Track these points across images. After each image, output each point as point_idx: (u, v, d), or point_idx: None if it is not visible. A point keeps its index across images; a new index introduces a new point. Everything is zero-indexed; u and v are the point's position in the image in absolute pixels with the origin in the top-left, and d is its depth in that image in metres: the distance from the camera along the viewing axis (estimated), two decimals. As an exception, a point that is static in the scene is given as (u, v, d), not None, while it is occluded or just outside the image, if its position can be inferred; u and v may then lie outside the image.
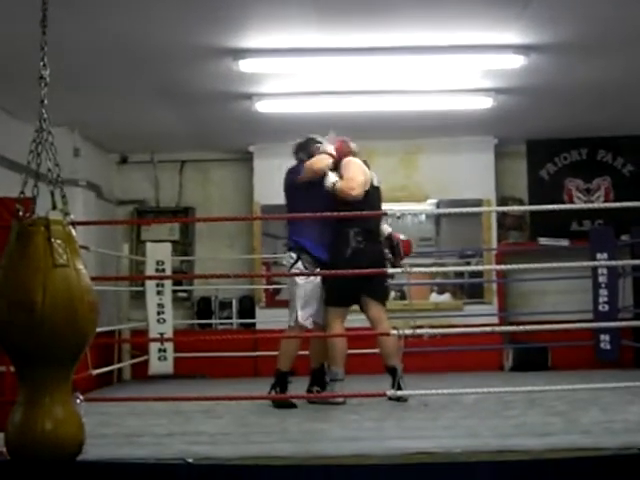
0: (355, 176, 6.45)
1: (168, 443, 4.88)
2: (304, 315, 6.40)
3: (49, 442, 3.46)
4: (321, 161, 6.48)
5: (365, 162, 6.77)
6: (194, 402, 6.42)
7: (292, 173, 6.64)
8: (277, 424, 5.57)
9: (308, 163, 6.48)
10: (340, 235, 6.46)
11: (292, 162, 6.80)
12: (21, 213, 3.61)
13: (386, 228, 6.64)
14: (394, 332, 5.37)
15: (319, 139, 6.76)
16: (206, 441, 4.96)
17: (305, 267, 6.41)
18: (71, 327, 3.46)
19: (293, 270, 6.44)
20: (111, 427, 5.34)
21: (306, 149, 6.71)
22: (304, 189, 6.45)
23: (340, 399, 6.29)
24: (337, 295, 6.50)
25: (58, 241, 3.48)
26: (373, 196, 6.64)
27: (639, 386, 5.99)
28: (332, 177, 6.45)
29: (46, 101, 3.63)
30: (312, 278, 6.39)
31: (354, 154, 6.74)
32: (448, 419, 5.54)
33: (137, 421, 5.75)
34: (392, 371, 6.39)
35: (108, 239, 9.39)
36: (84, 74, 6.91)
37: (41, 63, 3.64)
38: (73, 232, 3.60)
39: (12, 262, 3.51)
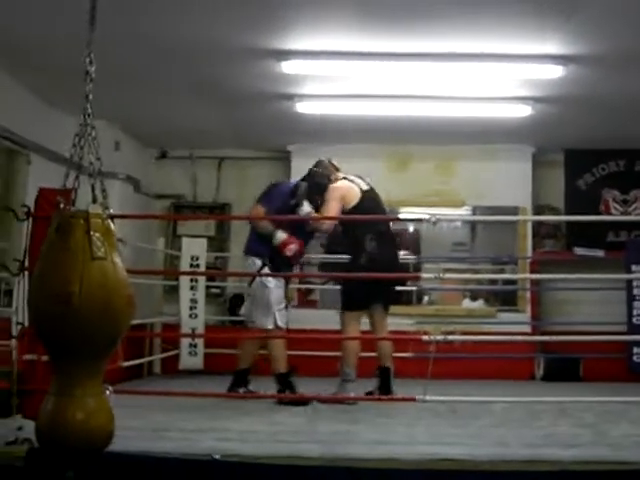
0: (332, 211, 6.67)
1: (196, 439, 4.91)
2: (281, 317, 6.67)
3: (80, 432, 3.48)
4: (259, 224, 6.82)
5: (345, 178, 6.93)
6: (222, 398, 6.48)
7: (276, 188, 6.91)
8: (305, 424, 5.61)
9: (256, 211, 6.80)
10: (355, 242, 6.66)
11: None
12: (62, 205, 3.65)
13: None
14: (425, 337, 5.38)
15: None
16: (234, 438, 4.97)
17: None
18: (106, 319, 3.48)
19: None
20: (139, 420, 5.37)
21: (322, 172, 6.90)
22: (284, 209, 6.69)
23: (352, 400, 6.42)
24: (354, 300, 6.65)
25: (97, 234, 3.51)
26: (369, 200, 6.84)
27: (670, 401, 5.96)
28: (307, 208, 6.70)
29: (91, 96, 3.67)
30: (280, 284, 6.68)
31: (336, 177, 6.92)
32: (477, 427, 5.53)
33: (165, 415, 5.77)
34: (386, 371, 6.72)
35: (144, 232, 9.47)
36: (127, 70, 6.98)
37: (87, 60, 3.68)
38: (112, 226, 3.64)
39: (51, 253, 3.54)
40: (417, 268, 9.73)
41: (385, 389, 6.68)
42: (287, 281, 6.94)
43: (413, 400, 5.25)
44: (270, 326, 6.66)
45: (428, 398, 5.17)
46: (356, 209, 6.72)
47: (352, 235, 6.76)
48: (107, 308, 3.47)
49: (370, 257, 6.58)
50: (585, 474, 4.35)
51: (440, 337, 5.32)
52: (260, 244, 6.75)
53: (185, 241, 9.05)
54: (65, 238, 3.51)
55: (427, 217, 5.41)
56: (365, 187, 6.89)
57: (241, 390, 6.73)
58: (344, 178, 6.93)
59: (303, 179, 6.95)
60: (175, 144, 10.17)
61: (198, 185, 10.43)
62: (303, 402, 6.36)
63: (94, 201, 3.64)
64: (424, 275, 5.88)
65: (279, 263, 6.72)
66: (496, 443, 4.94)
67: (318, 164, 6.96)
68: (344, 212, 6.70)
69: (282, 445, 4.83)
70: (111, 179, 7.90)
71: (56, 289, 3.44)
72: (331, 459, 4.43)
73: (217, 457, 4.34)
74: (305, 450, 4.62)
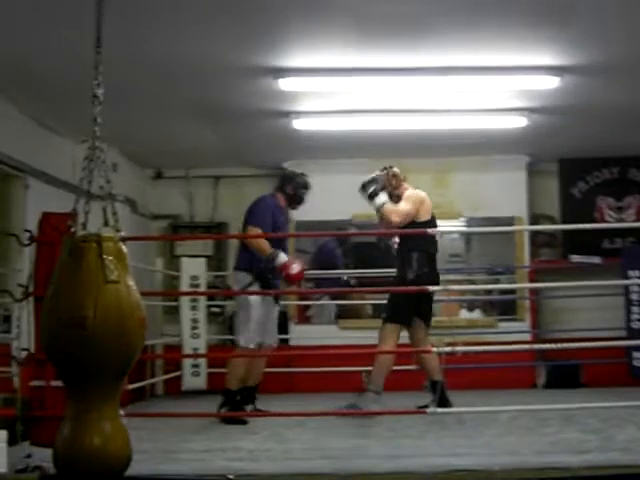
0: (406, 210, 6.65)
1: (207, 459, 4.94)
2: (252, 337, 6.58)
3: (97, 458, 3.49)
4: (257, 247, 6.58)
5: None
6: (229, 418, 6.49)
7: (259, 203, 6.87)
8: (315, 440, 5.63)
9: (253, 237, 6.62)
10: (404, 258, 6.66)
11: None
12: (73, 229, 3.68)
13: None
14: (434, 349, 5.42)
15: (303, 176, 7.01)
16: (245, 457, 4.99)
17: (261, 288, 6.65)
18: (121, 342, 3.51)
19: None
20: (148, 442, 5.37)
21: (284, 184, 6.95)
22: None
23: (372, 411, 6.42)
24: (399, 313, 6.65)
25: (110, 257, 3.54)
26: (434, 222, 6.87)
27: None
28: (383, 197, 6.67)
29: (99, 119, 3.69)
30: (267, 300, 6.65)
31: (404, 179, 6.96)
32: (485, 436, 5.57)
33: (174, 437, 5.79)
34: (438, 384, 6.59)
35: (142, 253, 9.48)
36: (123, 91, 6.96)
37: (95, 82, 3.71)
38: (124, 248, 3.66)
39: (64, 278, 3.56)
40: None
41: (443, 402, 6.58)
42: (277, 298, 6.92)
43: (424, 413, 5.29)
44: (242, 344, 6.62)
45: (440, 410, 5.21)
46: (427, 224, 6.69)
47: (406, 248, 6.75)
48: (121, 331, 3.49)
49: (417, 273, 6.58)
50: (596, 479, 4.40)
51: (448, 349, 5.37)
52: (250, 260, 6.65)
53: (184, 261, 9.06)
54: (78, 262, 3.53)
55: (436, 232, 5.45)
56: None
57: (249, 408, 6.69)
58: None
59: (282, 185, 6.95)
60: (171, 164, 10.20)
61: (195, 204, 10.45)
62: (242, 421, 6.34)
63: (106, 224, 3.66)
64: (431, 288, 5.89)
65: (270, 279, 6.67)
66: (506, 452, 4.97)
67: (388, 167, 6.96)
68: (417, 223, 6.66)
69: (294, 462, 4.86)
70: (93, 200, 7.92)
71: (70, 313, 3.45)
72: (345, 475, 4.44)
73: (231, 477, 4.34)
74: (318, 467, 4.65)
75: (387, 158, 9.41)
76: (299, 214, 9.45)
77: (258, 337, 6.62)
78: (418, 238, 6.59)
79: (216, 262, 10.20)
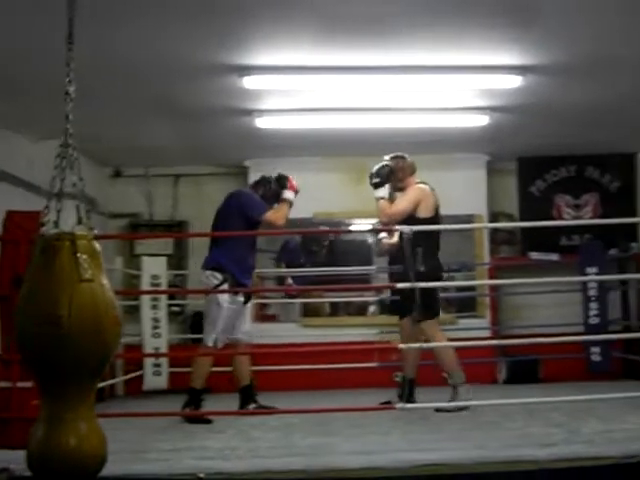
0: (398, 209, 6.72)
1: (176, 458, 4.89)
2: (221, 337, 6.57)
3: (73, 458, 3.45)
4: (282, 215, 6.66)
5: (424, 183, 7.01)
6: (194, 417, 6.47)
7: (244, 199, 6.81)
8: (281, 438, 5.62)
9: (271, 215, 6.60)
10: (414, 249, 6.58)
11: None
12: (44, 228, 3.64)
13: None
14: (402, 346, 5.45)
15: (268, 186, 6.94)
16: (214, 456, 4.96)
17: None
18: (96, 341, 3.48)
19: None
20: (115, 443, 5.28)
21: (263, 187, 6.93)
22: (248, 223, 6.64)
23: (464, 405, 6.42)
24: (433, 307, 6.73)
25: (84, 256, 3.51)
26: (439, 212, 6.95)
27: (634, 397, 6.11)
28: (382, 192, 6.75)
29: (71, 116, 3.66)
30: (237, 300, 6.64)
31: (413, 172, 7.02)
32: (452, 431, 5.61)
33: (140, 437, 5.76)
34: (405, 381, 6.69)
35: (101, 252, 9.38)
36: (82, 88, 6.90)
37: (67, 79, 3.68)
38: (97, 247, 3.63)
39: (37, 277, 3.53)
40: (367, 280, 9.83)
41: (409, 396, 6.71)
42: (249, 297, 6.90)
43: (393, 408, 5.32)
44: (210, 344, 6.58)
45: (408, 406, 5.25)
46: (431, 221, 6.74)
47: (415, 242, 6.63)
48: (96, 330, 3.46)
49: (427, 267, 6.62)
50: (563, 471, 4.48)
51: (417, 345, 5.41)
52: (224, 258, 6.62)
53: (145, 260, 9.01)
54: (51, 260, 3.49)
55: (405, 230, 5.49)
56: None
57: (252, 407, 6.67)
58: (422, 183, 6.97)
59: (256, 185, 6.99)
60: (130, 162, 10.14)
61: (154, 203, 10.40)
62: (206, 420, 6.33)
63: (79, 222, 3.63)
64: (399, 285, 5.91)
65: (240, 279, 6.64)
66: (474, 446, 5.00)
67: (399, 157, 7.01)
68: (418, 219, 6.68)
69: (264, 460, 4.83)
70: (67, 199, 7.85)
71: (45, 312, 3.41)
72: (316, 471, 4.46)
73: (202, 476, 4.33)
74: (288, 464, 4.64)
75: (348, 157, 9.55)
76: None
77: (226, 337, 6.61)
78: (421, 234, 6.54)
79: (176, 261, 10.15)
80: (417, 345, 5.62)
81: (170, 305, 9.36)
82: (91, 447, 3.52)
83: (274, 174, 6.92)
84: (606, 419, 5.84)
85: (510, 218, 10.15)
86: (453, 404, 6.42)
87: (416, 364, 6.83)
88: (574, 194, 10.22)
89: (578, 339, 8.60)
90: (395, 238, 7.80)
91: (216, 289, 6.62)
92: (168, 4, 5.30)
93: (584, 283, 8.92)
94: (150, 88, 7.13)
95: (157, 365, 8.78)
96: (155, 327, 8.78)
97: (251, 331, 6.95)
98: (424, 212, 6.77)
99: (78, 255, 3.49)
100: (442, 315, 9.66)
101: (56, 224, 3.68)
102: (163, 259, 9.09)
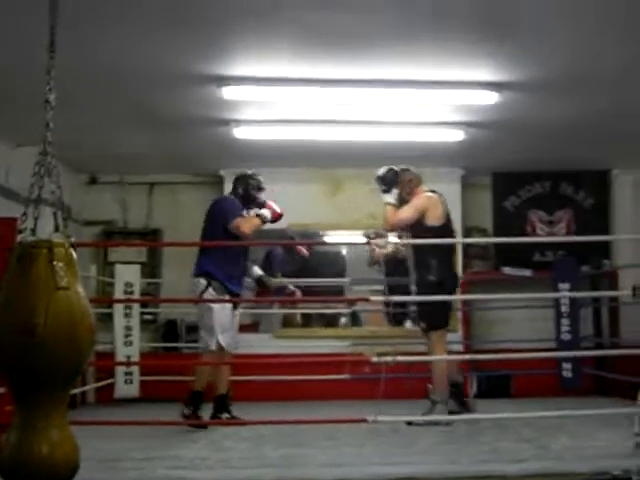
0: (402, 217, 6.81)
1: (149, 467, 4.92)
2: (225, 339, 6.61)
3: (45, 466, 3.42)
4: (250, 226, 6.70)
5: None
6: (164, 426, 6.46)
7: (224, 204, 6.90)
8: (253, 449, 5.63)
9: (239, 222, 6.66)
10: (422, 263, 6.80)
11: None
12: (21, 235, 3.63)
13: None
14: (375, 359, 5.46)
15: (255, 177, 7.00)
16: (186, 466, 4.98)
17: (215, 294, 6.64)
18: (71, 349, 3.46)
19: (205, 296, 6.63)
20: (87, 451, 5.25)
21: (238, 187, 6.99)
22: (227, 230, 6.69)
23: (445, 421, 6.46)
24: (444, 317, 6.83)
25: (60, 264, 3.49)
26: (450, 220, 7.10)
27: (605, 413, 6.16)
28: (390, 197, 6.83)
29: (52, 124, 3.65)
30: (226, 305, 6.62)
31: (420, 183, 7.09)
32: (424, 444, 5.64)
33: (111, 445, 5.74)
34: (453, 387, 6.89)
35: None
36: (60, 95, 6.89)
37: (47, 87, 3.66)
38: (74, 255, 3.62)
39: (14, 284, 3.50)
40: (340, 291, 9.84)
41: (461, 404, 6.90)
42: (237, 304, 6.88)
43: (365, 421, 5.32)
44: (213, 347, 6.63)
45: (380, 419, 5.25)
46: (441, 229, 6.81)
47: (421, 253, 6.82)
48: (72, 338, 3.44)
49: (439, 277, 6.70)
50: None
51: (389, 358, 5.41)
52: (211, 266, 6.65)
53: (118, 268, 8.99)
54: (28, 268, 3.47)
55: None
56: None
57: (224, 416, 6.66)
58: (431, 192, 7.03)
59: (235, 185, 7.01)
60: (106, 169, 10.08)
61: (129, 211, 10.36)
62: (203, 425, 6.47)
63: (57, 230, 3.62)
64: (373, 298, 5.94)
65: (227, 286, 6.67)
66: (445, 460, 5.04)
67: (405, 170, 7.09)
68: (427, 227, 6.74)
69: (235, 471, 4.88)
70: (42, 206, 7.80)
71: (20, 320, 3.39)
72: (290, 482, 4.49)
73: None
74: (259, 475, 4.66)
75: (325, 168, 9.59)
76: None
77: (231, 338, 6.68)
78: (435, 245, 6.66)
79: (150, 269, 10.12)
80: (389, 358, 5.59)
81: (143, 313, 9.35)
82: (63, 455, 3.49)
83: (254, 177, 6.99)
84: (577, 435, 5.90)
85: (484, 233, 10.20)
86: (426, 418, 6.45)
87: (457, 366, 7.03)
88: (548, 210, 10.30)
89: (550, 355, 8.66)
90: (389, 248, 7.86)
91: (201, 295, 6.67)
92: (148, 13, 5.30)
93: (556, 299, 8.97)
94: (129, 96, 7.12)
95: (129, 373, 8.77)
96: (127, 335, 8.77)
97: (237, 340, 6.92)
98: (432, 220, 6.83)
99: (55, 263, 3.47)
100: (413, 328, 9.82)
101: (33, 231, 3.66)
102: (137, 267, 9.09)
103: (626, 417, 5.56)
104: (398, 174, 6.93)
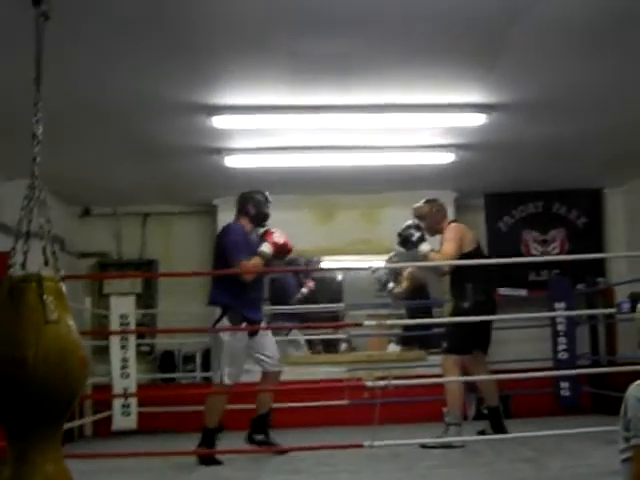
0: (451, 250, 6.75)
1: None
2: (230, 373, 6.33)
3: (40, 501, 3.43)
4: (251, 272, 6.43)
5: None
6: (163, 457, 6.41)
7: (227, 234, 6.62)
8: (252, 478, 5.60)
9: (243, 269, 6.37)
10: (459, 288, 6.86)
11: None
12: (12, 269, 3.62)
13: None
14: (370, 384, 5.46)
15: (261, 192, 6.87)
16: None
17: (230, 323, 6.39)
18: (62, 383, 3.44)
19: (218, 326, 6.40)
20: (83, 484, 5.31)
21: (244, 205, 6.81)
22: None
23: (459, 442, 6.46)
24: (459, 343, 6.78)
25: (50, 297, 3.49)
26: (480, 251, 7.12)
27: (602, 431, 6.14)
28: (426, 245, 6.85)
29: (39, 159, 3.65)
30: (238, 336, 6.38)
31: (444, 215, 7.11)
32: (422, 469, 5.61)
33: (109, 478, 5.73)
34: (495, 410, 6.99)
35: (70, 292, 9.25)
36: (51, 126, 6.90)
37: (34, 120, 3.66)
38: (64, 288, 3.62)
39: (3, 318, 3.49)
40: (337, 317, 9.82)
41: (498, 428, 6.83)
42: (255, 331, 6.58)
43: (361, 447, 5.31)
44: (217, 380, 6.39)
45: (376, 444, 5.24)
46: (474, 255, 6.84)
47: (459, 279, 6.87)
48: (63, 371, 3.43)
49: (473, 303, 6.73)
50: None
51: (384, 382, 5.41)
52: (223, 294, 6.47)
53: (113, 299, 8.97)
54: (17, 302, 3.47)
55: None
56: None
57: (258, 437, 6.53)
58: (454, 222, 7.13)
59: (243, 207, 6.79)
60: (98, 201, 10.09)
61: (123, 242, 10.35)
62: (217, 461, 6.18)
63: (46, 264, 3.62)
64: (366, 322, 5.94)
65: (244, 313, 6.44)
66: (443, 484, 5.04)
67: (433, 201, 7.08)
68: (462, 255, 6.76)
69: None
70: (36, 239, 7.79)
71: (9, 353, 3.39)
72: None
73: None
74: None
75: (317, 195, 9.61)
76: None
77: (237, 373, 6.41)
78: (468, 269, 6.68)
79: (145, 300, 10.10)
80: (383, 383, 5.60)
81: (139, 344, 9.32)
82: (59, 490, 3.48)
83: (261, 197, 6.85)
84: (575, 454, 5.89)
85: (478, 254, 10.20)
86: (439, 440, 6.45)
87: (495, 391, 7.03)
88: (541, 230, 10.31)
89: (547, 374, 8.65)
90: (405, 283, 7.92)
91: (214, 325, 6.46)
92: (138, 44, 5.34)
93: (553, 318, 8.98)
94: (119, 127, 7.16)
95: (126, 406, 8.71)
96: (124, 367, 8.72)
97: (277, 357, 6.69)
98: (466, 247, 6.86)
99: (44, 297, 3.47)
100: (414, 352, 9.83)
101: (23, 266, 3.66)
102: (132, 298, 9.05)
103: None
104: (418, 224, 6.97)
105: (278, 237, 6.62)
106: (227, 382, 6.32)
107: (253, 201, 6.79)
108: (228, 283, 6.50)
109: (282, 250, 6.65)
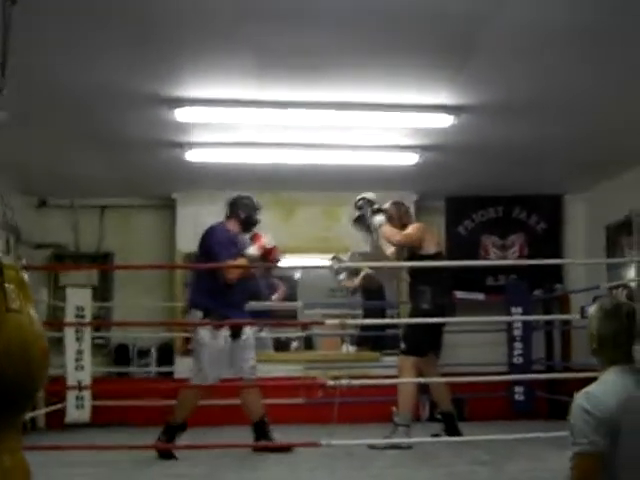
0: (413, 233, 6.82)
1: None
2: (209, 374, 6.32)
3: (-3, 492, 3.38)
4: (237, 273, 6.43)
5: None
6: (118, 451, 6.35)
7: (212, 234, 6.57)
8: (209, 474, 5.58)
9: (229, 269, 6.37)
10: (417, 291, 6.85)
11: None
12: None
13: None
14: (331, 383, 5.44)
15: (251, 198, 6.79)
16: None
17: (211, 327, 6.35)
18: (24, 373, 3.38)
19: (199, 329, 6.38)
20: (38, 477, 5.19)
21: (234, 208, 6.74)
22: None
23: (407, 444, 6.42)
24: (416, 345, 6.77)
25: (11, 286, 3.43)
26: (442, 256, 7.18)
27: (557, 436, 6.18)
28: (381, 218, 6.79)
29: None
30: (220, 338, 6.35)
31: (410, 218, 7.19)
32: (377, 468, 5.62)
33: (62, 470, 5.67)
34: (449, 415, 6.99)
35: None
36: (9, 114, 6.80)
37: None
38: (26, 277, 3.56)
39: (-37, 308, 3.43)
40: (293, 315, 9.80)
41: (453, 433, 6.82)
42: (238, 331, 6.54)
43: (319, 445, 5.29)
44: (197, 381, 6.37)
45: (334, 442, 5.23)
46: (436, 258, 6.85)
47: (417, 282, 6.87)
48: (25, 362, 3.36)
49: (431, 305, 6.72)
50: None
51: (345, 382, 5.40)
52: (202, 295, 6.45)
53: (69, 291, 8.84)
54: (-23, 291, 3.41)
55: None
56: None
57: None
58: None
59: (234, 211, 6.72)
60: (56, 192, 9.94)
61: (80, 234, 10.21)
62: (174, 456, 6.17)
63: (7, 252, 3.56)
64: (328, 321, 5.93)
65: (225, 313, 6.41)
66: (399, 484, 5.04)
67: (400, 204, 7.11)
68: (421, 256, 6.75)
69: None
70: (-2, 230, 7.71)
71: (-30, 343, 3.33)
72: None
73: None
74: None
75: (280, 191, 9.57)
76: (188, 246, 9.44)
77: (217, 374, 6.40)
78: (429, 271, 6.68)
79: (101, 292, 9.99)
80: (345, 382, 5.59)
81: (94, 337, 9.22)
82: (15, 481, 3.42)
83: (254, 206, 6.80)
84: (530, 458, 5.93)
85: (437, 257, 10.23)
86: (386, 441, 6.44)
87: (447, 396, 7.04)
88: (501, 234, 10.37)
89: (502, 379, 8.72)
90: (357, 280, 7.93)
91: (196, 327, 6.45)
92: (101, 33, 5.25)
93: (509, 323, 9.04)
94: (80, 118, 7.04)
95: (80, 398, 8.59)
96: (78, 359, 8.60)
97: (255, 366, 6.68)
98: (430, 248, 6.88)
99: (5, 285, 3.41)
100: (366, 353, 9.83)
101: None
102: (88, 291, 8.94)
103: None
104: (369, 200, 6.96)
105: (267, 242, 6.59)
106: (208, 382, 6.32)
107: (244, 205, 6.74)
108: (209, 284, 6.46)
109: (269, 255, 6.60)
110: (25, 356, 3.38)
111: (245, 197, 6.80)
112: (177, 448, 6.27)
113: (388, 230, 6.78)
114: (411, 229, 6.86)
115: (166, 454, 6.17)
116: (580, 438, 2.92)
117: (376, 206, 6.90)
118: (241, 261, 6.46)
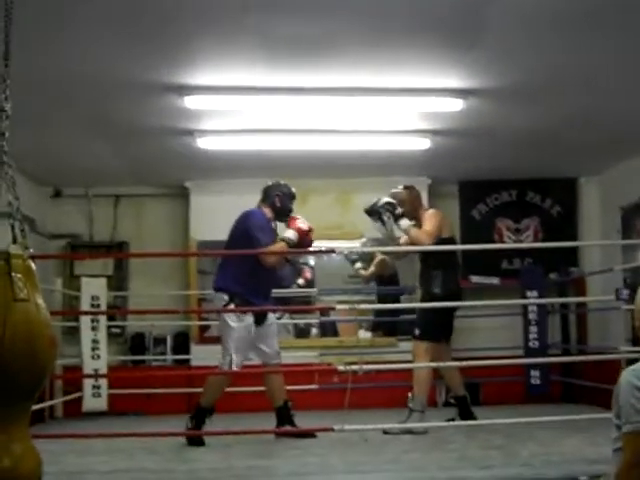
0: (433, 229, 6.81)
1: (112, 480, 4.89)
2: (237, 359, 6.33)
3: (7, 479, 3.40)
4: (276, 258, 6.49)
5: None
6: (132, 439, 6.39)
7: (251, 218, 6.60)
8: (220, 461, 5.60)
9: (266, 254, 6.38)
10: (429, 275, 6.91)
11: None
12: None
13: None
14: (341, 368, 5.45)
15: (287, 186, 6.84)
16: (152, 478, 4.96)
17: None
18: (31, 362, 3.40)
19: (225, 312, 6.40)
20: (52, 465, 5.20)
21: (270, 195, 6.77)
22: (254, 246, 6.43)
23: (421, 429, 6.47)
24: (430, 330, 6.80)
25: (18, 275, 3.44)
26: (455, 239, 7.30)
27: (572, 420, 6.18)
28: (406, 222, 6.81)
29: (7, 134, 3.60)
30: (245, 321, 6.36)
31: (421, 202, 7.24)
32: (391, 453, 5.63)
33: (78, 459, 5.72)
34: (463, 400, 7.08)
35: (40, 273, 9.17)
36: (21, 107, 6.79)
37: (2, 96, 3.61)
38: (33, 266, 3.57)
39: (-29, 297, 3.45)
40: (309, 302, 9.80)
41: (468, 417, 6.87)
42: (263, 317, 6.56)
43: (331, 430, 5.30)
44: (225, 367, 6.35)
45: (347, 427, 5.24)
46: (449, 242, 6.93)
47: (429, 266, 6.90)
48: (32, 351, 3.38)
49: (444, 290, 6.77)
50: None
51: (356, 367, 5.41)
52: (228, 279, 6.45)
53: (84, 281, 8.90)
54: (-16, 280, 3.42)
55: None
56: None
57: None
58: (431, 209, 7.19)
59: (268, 198, 6.76)
60: (70, 182, 9.98)
61: (94, 224, 10.25)
62: (203, 442, 6.20)
63: (14, 241, 3.57)
64: (339, 306, 5.94)
65: (249, 299, 6.41)
66: (412, 468, 5.05)
67: (411, 188, 7.14)
68: (439, 240, 6.80)
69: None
70: (6, 219, 7.70)
71: (-23, 333, 3.35)
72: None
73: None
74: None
75: (290, 178, 9.46)
76: (202, 234, 9.48)
77: (242, 358, 6.41)
78: (441, 256, 6.72)
79: (116, 282, 10.04)
80: (356, 367, 5.60)
81: (110, 326, 9.27)
82: (27, 468, 3.43)
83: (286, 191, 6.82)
84: (544, 442, 5.92)
85: (452, 241, 10.21)
86: (400, 426, 6.45)
87: (460, 380, 7.08)
88: (515, 218, 10.33)
89: (518, 362, 8.69)
90: (372, 269, 7.96)
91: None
92: (110, 22, 5.23)
93: (524, 307, 9.00)
94: (91, 107, 7.05)
95: (96, 387, 8.67)
96: (94, 349, 8.68)
97: (279, 351, 6.73)
98: (445, 232, 6.93)
99: (13, 274, 3.42)
100: (385, 338, 9.82)
101: (-8, 244, 3.60)
102: (103, 280, 9.01)
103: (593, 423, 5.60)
104: (383, 203, 6.96)
105: (302, 223, 6.59)
106: (234, 369, 6.32)
107: (280, 193, 6.77)
108: (234, 268, 6.48)
109: (306, 237, 6.60)
110: (32, 344, 3.39)
111: (283, 185, 6.84)
112: (191, 435, 6.29)
113: (416, 233, 6.79)
114: (429, 222, 6.85)
115: (196, 441, 6.20)
116: (634, 416, 2.83)
117: (398, 211, 6.86)
118: (280, 245, 6.46)
